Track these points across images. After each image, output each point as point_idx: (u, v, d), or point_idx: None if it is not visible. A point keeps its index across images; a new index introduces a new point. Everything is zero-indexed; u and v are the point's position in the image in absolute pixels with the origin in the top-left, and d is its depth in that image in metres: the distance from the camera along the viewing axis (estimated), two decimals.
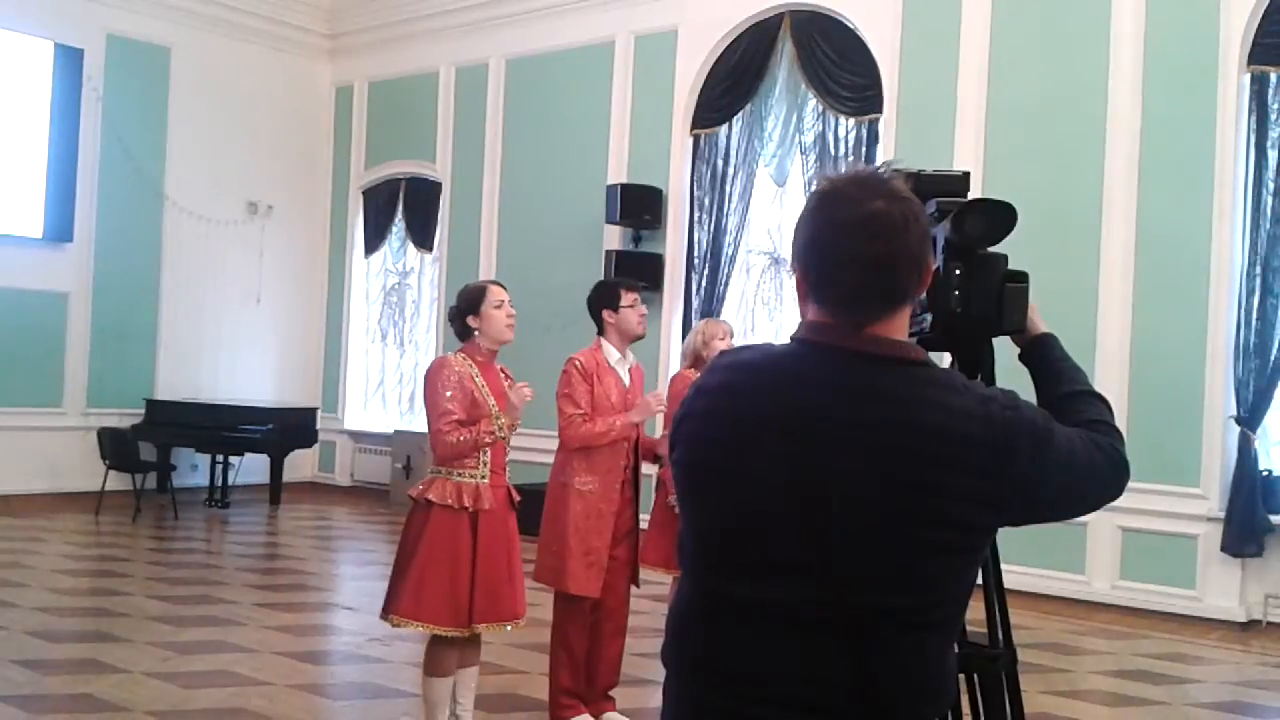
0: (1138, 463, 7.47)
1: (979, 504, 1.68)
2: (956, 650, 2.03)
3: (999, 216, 1.97)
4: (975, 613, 2.18)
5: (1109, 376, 7.94)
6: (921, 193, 2.05)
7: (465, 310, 4.52)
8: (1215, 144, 7.75)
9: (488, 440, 4.38)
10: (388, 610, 4.42)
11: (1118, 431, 1.88)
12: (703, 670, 1.78)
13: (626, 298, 5.17)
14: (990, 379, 2.09)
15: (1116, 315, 8.05)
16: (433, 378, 4.44)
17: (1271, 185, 7.63)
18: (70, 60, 11.14)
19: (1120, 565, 7.95)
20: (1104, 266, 8.12)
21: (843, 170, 1.85)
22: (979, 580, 2.02)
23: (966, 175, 2.12)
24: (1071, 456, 1.75)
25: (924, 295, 1.97)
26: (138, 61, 11.67)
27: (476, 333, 4.51)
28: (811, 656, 1.68)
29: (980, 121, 8.65)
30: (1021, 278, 2.02)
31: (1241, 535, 7.52)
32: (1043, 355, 2.04)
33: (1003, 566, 6.79)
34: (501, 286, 4.59)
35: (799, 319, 1.83)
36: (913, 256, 1.71)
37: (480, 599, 4.36)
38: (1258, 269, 7.62)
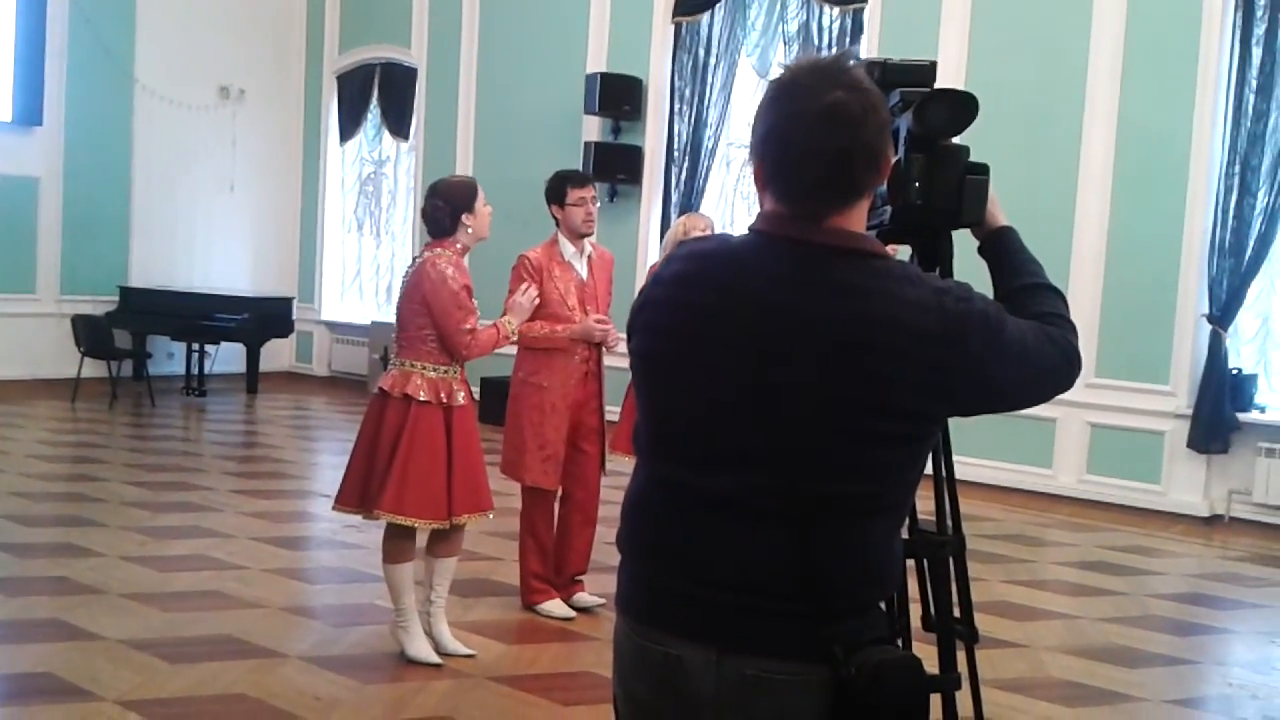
0: (1109, 360, 7.54)
1: (930, 394, 1.70)
2: (906, 536, 2.07)
3: (960, 107, 1.94)
4: (931, 502, 2.22)
5: (1084, 272, 7.97)
6: (887, 82, 2.03)
7: (460, 208, 4.46)
8: (1199, 40, 7.66)
9: (506, 341, 4.58)
10: (371, 505, 4.40)
11: (1071, 324, 1.89)
12: (655, 555, 1.82)
13: (573, 194, 5.11)
14: (948, 271, 2.09)
15: (1094, 211, 8.04)
16: (441, 280, 4.37)
17: (1254, 83, 7.56)
18: None
19: (1087, 460, 8.07)
20: (1084, 162, 8.08)
21: (805, 57, 1.82)
22: (930, 468, 2.05)
23: (933, 65, 2.08)
24: (1023, 348, 1.76)
25: (884, 187, 1.97)
26: None
27: (468, 230, 4.47)
28: (760, 542, 1.71)
29: (965, 13, 8.51)
30: (982, 170, 2.00)
31: (1208, 432, 7.63)
32: (1001, 248, 2.03)
33: (971, 460, 6.87)
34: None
35: (758, 209, 1.83)
36: (870, 149, 1.69)
37: (459, 491, 4.42)
38: (1236, 167, 7.59)
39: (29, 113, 10.96)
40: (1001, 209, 2.08)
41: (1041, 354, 1.79)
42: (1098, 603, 5.90)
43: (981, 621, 5.16)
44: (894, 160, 1.84)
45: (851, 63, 1.75)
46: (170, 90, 11.81)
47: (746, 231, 1.81)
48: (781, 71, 1.77)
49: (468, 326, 4.39)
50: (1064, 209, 8.06)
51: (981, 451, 7.74)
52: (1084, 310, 7.88)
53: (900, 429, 1.71)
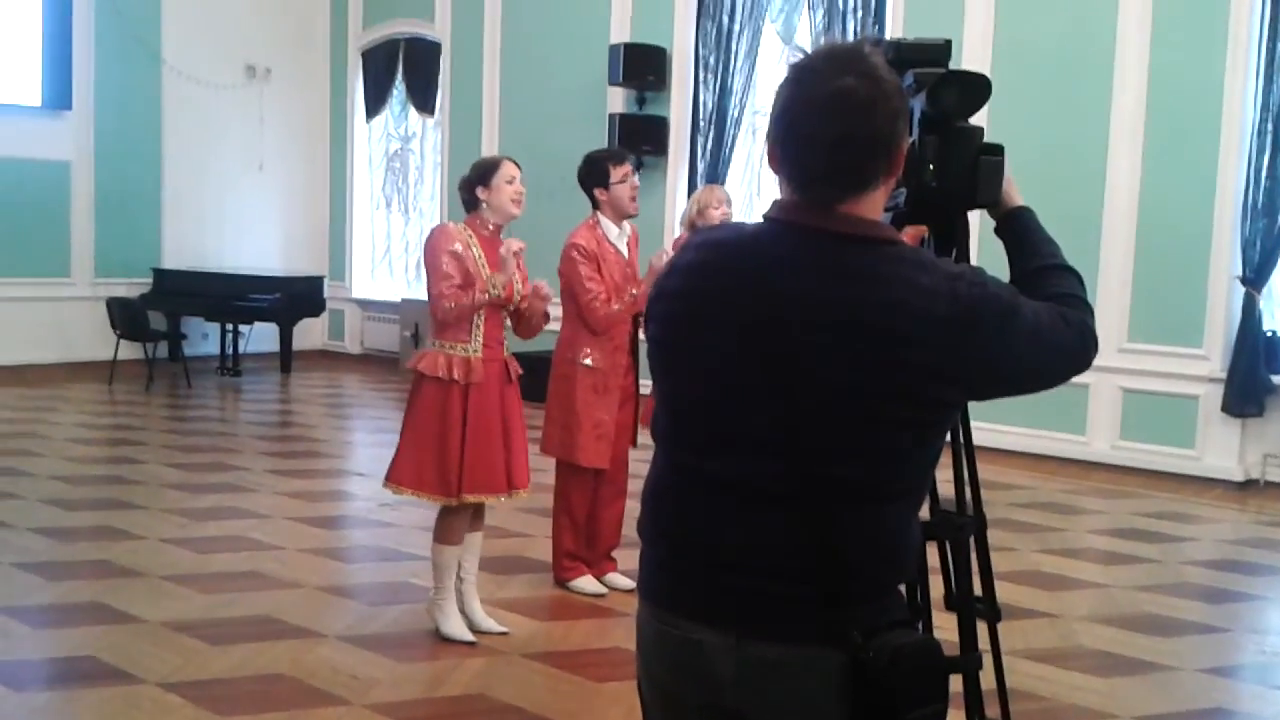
0: (1142, 323, 7.50)
1: (944, 379, 1.70)
2: (928, 517, 2.08)
3: (972, 89, 1.93)
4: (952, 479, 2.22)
5: (1116, 235, 7.89)
6: (901, 62, 2.02)
7: (476, 180, 4.51)
8: None
9: (483, 300, 4.40)
10: (386, 478, 4.55)
11: (1088, 305, 1.89)
12: (673, 540, 1.84)
13: (616, 172, 5.07)
14: (965, 254, 2.08)
15: (1125, 172, 7.95)
16: (432, 244, 4.47)
17: None
18: None
19: (1120, 425, 8.01)
20: (1114, 121, 7.98)
21: (825, 42, 1.82)
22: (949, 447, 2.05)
23: (947, 44, 2.07)
24: (1037, 331, 1.76)
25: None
26: None
27: (484, 205, 4.49)
28: (777, 527, 1.72)
29: None
30: (997, 150, 1.99)
31: (1242, 395, 7.56)
32: (1017, 229, 2.02)
33: (1003, 428, 6.84)
34: (515, 164, 4.55)
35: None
36: (877, 138, 1.69)
37: (469, 471, 4.42)
38: (1269, 125, 7.47)
39: (58, 97, 11.05)
40: (1017, 189, 2.07)
41: (1056, 336, 1.79)
42: (1130, 570, 5.88)
43: (1013, 592, 5.16)
44: (906, 147, 1.83)
45: (868, 49, 1.74)
46: (197, 70, 11.87)
47: (762, 219, 1.82)
48: (800, 55, 1.77)
49: (434, 290, 4.39)
50: (1094, 170, 7.98)
51: (1014, 419, 7.71)
52: (1116, 273, 7.82)
53: (913, 414, 1.71)
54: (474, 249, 4.46)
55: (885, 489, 1.74)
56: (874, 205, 1.76)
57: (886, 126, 1.69)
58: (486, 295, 4.40)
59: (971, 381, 1.73)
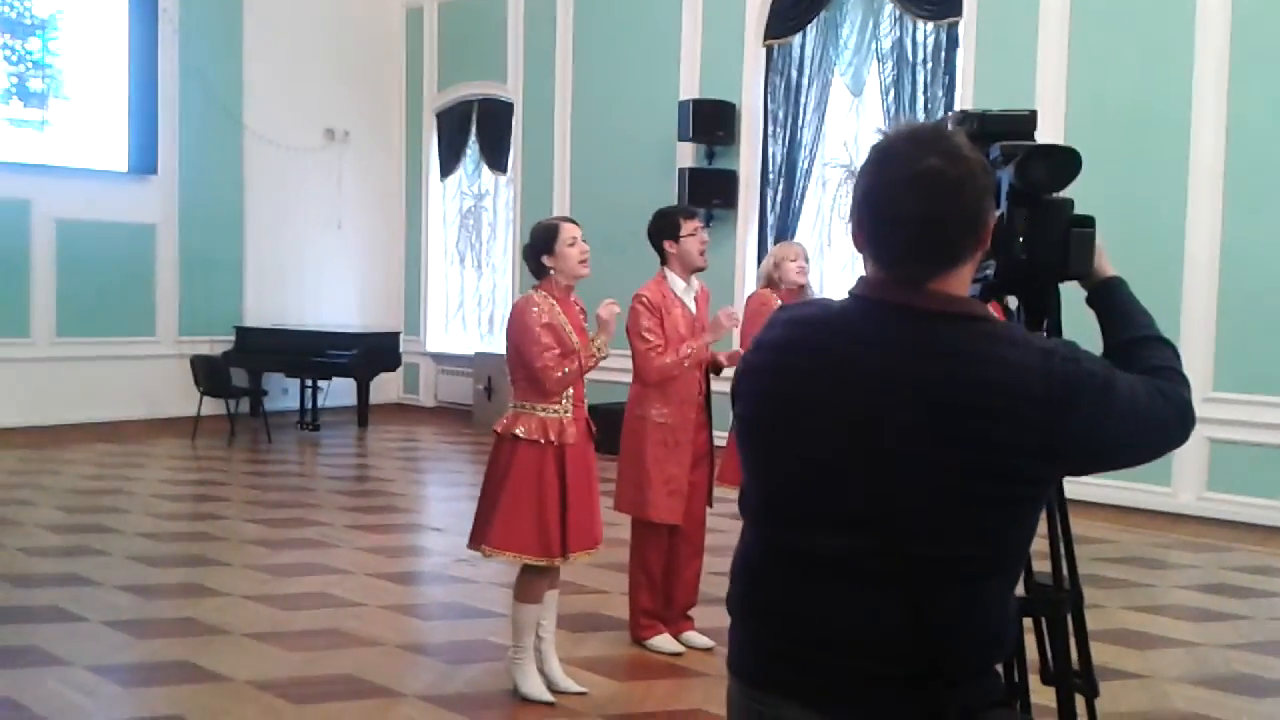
0: (1227, 373, 7.33)
1: (1038, 456, 1.69)
2: (1023, 591, 2.05)
3: (1062, 163, 1.93)
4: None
5: (1197, 284, 7.75)
6: (985, 134, 2.03)
7: (540, 249, 4.56)
8: None
9: (591, 364, 4.50)
10: (480, 541, 4.55)
11: (1184, 377, 1.86)
12: (764, 617, 1.84)
13: (687, 226, 5.13)
14: (1056, 325, 2.07)
15: (1205, 220, 7.82)
16: (521, 317, 4.50)
17: None
18: None
19: (1207, 477, 7.82)
20: (1193, 169, 7.86)
21: (905, 122, 1.84)
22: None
23: (1033, 115, 2.08)
24: (1133, 406, 1.74)
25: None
26: None
27: (553, 271, 4.55)
28: (871, 605, 1.71)
29: (1064, 21, 8.35)
30: (1088, 222, 1.98)
31: None
32: (1110, 299, 2.01)
33: (1088, 480, 6.71)
34: (574, 223, 4.61)
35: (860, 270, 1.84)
36: (965, 217, 1.69)
37: (574, 529, 4.49)
38: None
39: (144, 162, 11.40)
40: (1108, 259, 2.05)
41: (1153, 410, 1.77)
42: (1222, 628, 5.72)
43: (1102, 651, 5.02)
44: (994, 223, 1.83)
45: (950, 127, 1.75)
46: (278, 134, 12.19)
47: (848, 295, 1.83)
48: (881, 137, 1.78)
49: (540, 364, 4.41)
50: (1174, 216, 7.86)
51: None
52: (1199, 322, 7.67)
53: (1007, 491, 1.70)
54: (559, 316, 4.52)
55: (981, 566, 1.72)
56: (962, 281, 1.76)
57: (973, 205, 1.70)
58: (594, 360, 4.49)
59: (1067, 458, 1.72)
